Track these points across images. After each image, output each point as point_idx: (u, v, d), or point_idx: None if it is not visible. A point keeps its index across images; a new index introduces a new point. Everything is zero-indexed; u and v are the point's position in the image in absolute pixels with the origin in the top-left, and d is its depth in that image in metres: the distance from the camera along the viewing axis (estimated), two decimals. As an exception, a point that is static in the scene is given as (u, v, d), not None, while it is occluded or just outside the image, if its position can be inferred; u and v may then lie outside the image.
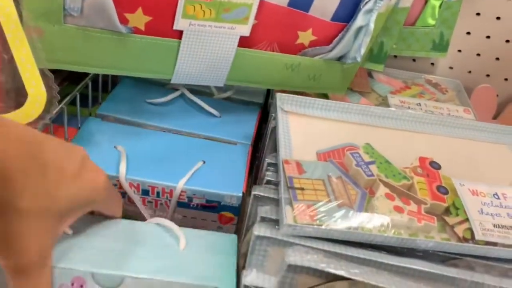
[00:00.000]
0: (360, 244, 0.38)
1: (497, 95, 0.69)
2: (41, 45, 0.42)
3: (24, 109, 0.44)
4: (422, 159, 0.45)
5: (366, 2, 0.48)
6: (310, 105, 0.51)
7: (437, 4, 0.64)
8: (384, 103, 0.64)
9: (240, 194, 0.47)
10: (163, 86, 0.61)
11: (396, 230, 0.38)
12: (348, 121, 0.51)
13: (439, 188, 0.42)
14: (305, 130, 0.49)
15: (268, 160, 0.47)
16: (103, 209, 0.37)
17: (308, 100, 0.51)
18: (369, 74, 0.70)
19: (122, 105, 0.56)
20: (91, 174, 0.30)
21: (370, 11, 0.48)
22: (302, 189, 0.40)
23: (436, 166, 0.45)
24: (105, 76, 0.59)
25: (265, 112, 0.64)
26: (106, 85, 0.60)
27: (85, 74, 0.53)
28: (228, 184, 0.48)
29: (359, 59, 0.51)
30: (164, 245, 0.38)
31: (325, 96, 0.60)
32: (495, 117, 0.70)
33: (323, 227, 0.37)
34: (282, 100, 0.51)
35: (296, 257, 0.36)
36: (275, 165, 0.46)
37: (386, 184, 0.41)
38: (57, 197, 0.27)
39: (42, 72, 0.43)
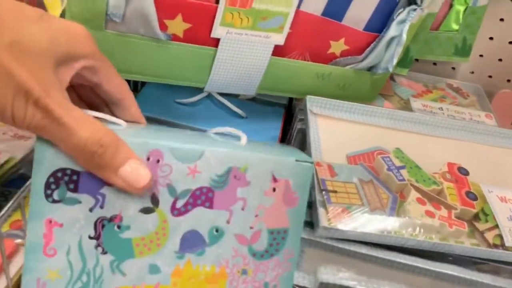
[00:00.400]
0: (390, 247, 0.39)
1: (518, 101, 0.70)
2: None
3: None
4: (450, 165, 0.46)
5: (400, 13, 0.49)
6: (339, 108, 0.52)
7: (462, 9, 0.64)
8: (406, 106, 0.65)
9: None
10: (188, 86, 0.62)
11: (427, 234, 0.39)
12: (376, 124, 0.52)
13: (468, 194, 0.43)
14: (334, 132, 0.50)
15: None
16: (106, 75, 0.32)
17: (337, 102, 0.52)
18: (391, 77, 0.70)
19: (152, 104, 0.57)
20: (63, 21, 0.28)
21: (403, 21, 0.49)
22: (335, 191, 0.41)
23: (464, 172, 0.46)
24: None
25: (288, 113, 0.65)
26: (135, 84, 0.62)
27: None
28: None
29: (391, 70, 0.52)
30: (227, 139, 0.36)
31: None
32: (515, 122, 0.71)
33: (358, 230, 0.38)
34: (311, 102, 0.52)
35: (328, 275, 0.37)
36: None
37: (417, 189, 0.42)
38: (21, 33, 0.25)
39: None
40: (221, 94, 0.60)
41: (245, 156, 0.31)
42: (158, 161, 0.29)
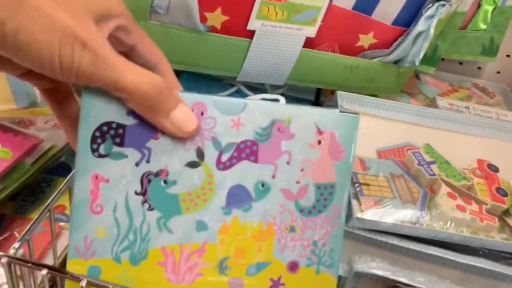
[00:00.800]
0: (421, 240, 0.40)
1: (544, 101, 0.70)
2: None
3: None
4: (480, 161, 0.47)
5: (428, 8, 0.49)
6: (369, 104, 0.53)
7: (490, 9, 0.65)
8: (432, 105, 0.65)
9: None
10: (219, 81, 0.63)
11: (458, 228, 0.40)
12: (405, 121, 0.52)
13: (498, 190, 0.43)
14: (364, 128, 0.50)
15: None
16: (140, 36, 0.30)
17: (367, 98, 0.53)
18: (416, 75, 0.71)
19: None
20: None
21: (431, 16, 0.50)
22: (368, 184, 0.42)
23: (494, 168, 0.46)
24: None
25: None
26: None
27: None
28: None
29: (417, 63, 0.53)
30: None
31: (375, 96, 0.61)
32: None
33: (390, 221, 0.39)
34: (342, 98, 0.53)
35: (363, 264, 0.38)
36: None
37: (447, 184, 0.43)
38: None
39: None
40: (250, 90, 0.62)
41: (288, 108, 0.30)
42: (202, 113, 0.29)
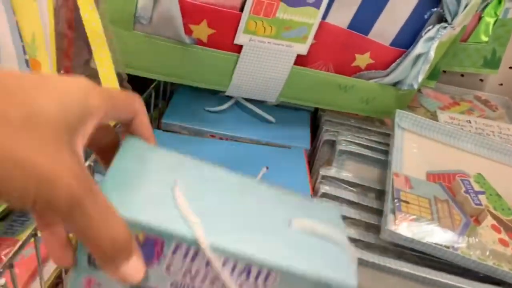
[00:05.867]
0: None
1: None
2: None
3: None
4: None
5: (428, 30, 0.47)
6: (427, 126, 0.51)
7: (492, 21, 0.63)
8: (433, 118, 0.62)
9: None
10: (215, 93, 0.58)
11: (496, 261, 0.37)
12: (462, 148, 0.50)
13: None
14: (418, 149, 0.48)
15: (322, 172, 0.46)
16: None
17: (426, 121, 0.51)
18: (416, 88, 0.68)
19: (183, 113, 0.54)
20: (69, 80, 0.22)
21: (431, 39, 0.47)
22: (407, 202, 0.39)
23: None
24: (165, 85, 0.58)
25: (314, 116, 0.62)
26: (164, 92, 0.58)
27: (146, 83, 0.51)
28: (295, 188, 0.46)
29: (415, 87, 0.50)
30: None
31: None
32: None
33: (422, 240, 0.36)
34: (400, 117, 0.50)
35: None
36: (329, 178, 0.46)
37: (493, 216, 0.40)
38: (35, 104, 0.19)
39: (117, 72, 0.41)
40: (249, 100, 0.57)
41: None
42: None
